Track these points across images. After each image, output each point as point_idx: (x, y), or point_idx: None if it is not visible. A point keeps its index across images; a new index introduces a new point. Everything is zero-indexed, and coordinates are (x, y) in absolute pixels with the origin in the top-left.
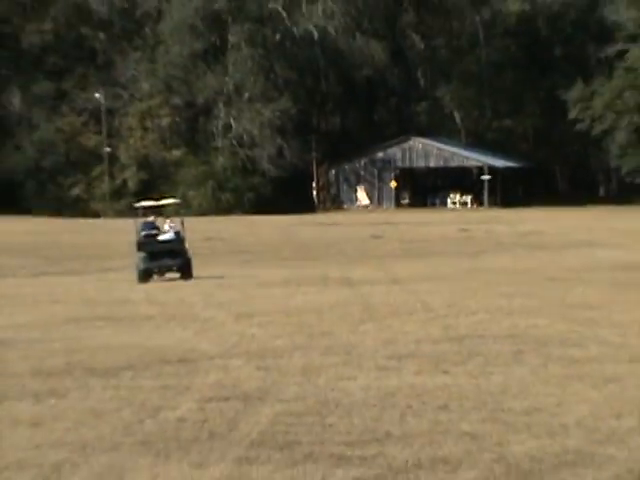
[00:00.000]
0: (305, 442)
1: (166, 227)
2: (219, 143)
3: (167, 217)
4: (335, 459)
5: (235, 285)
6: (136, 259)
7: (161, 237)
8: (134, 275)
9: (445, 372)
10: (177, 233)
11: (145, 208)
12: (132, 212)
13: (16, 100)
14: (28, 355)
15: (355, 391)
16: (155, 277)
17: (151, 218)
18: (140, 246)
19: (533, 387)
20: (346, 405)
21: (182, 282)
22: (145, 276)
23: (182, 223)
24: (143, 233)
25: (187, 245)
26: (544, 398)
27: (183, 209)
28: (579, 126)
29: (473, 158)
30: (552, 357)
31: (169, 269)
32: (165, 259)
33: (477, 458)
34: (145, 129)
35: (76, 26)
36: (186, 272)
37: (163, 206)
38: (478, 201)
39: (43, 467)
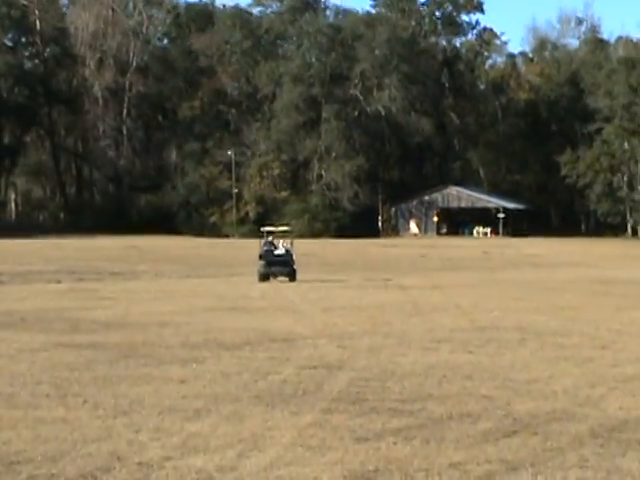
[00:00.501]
0: (370, 399)
1: (280, 245)
2: (313, 187)
3: (281, 239)
4: (391, 412)
5: (322, 287)
6: (258, 266)
7: (276, 252)
8: (255, 277)
9: (470, 352)
10: (287, 250)
11: (267, 232)
12: (257, 234)
13: (173, 155)
14: (178, 333)
15: (406, 364)
16: (270, 279)
17: (270, 238)
18: (262, 257)
19: (532, 364)
20: (399, 374)
21: (287, 284)
22: (263, 278)
23: (292, 243)
24: (264, 248)
25: (294, 259)
26: (540, 372)
27: (287, 233)
28: (568, 180)
29: (492, 201)
30: (547, 343)
31: (280, 274)
32: (278, 267)
33: (492, 413)
34: (262, 177)
35: (216, 104)
36: (292, 277)
37: (280, 231)
38: (495, 232)
39: (187, 411)
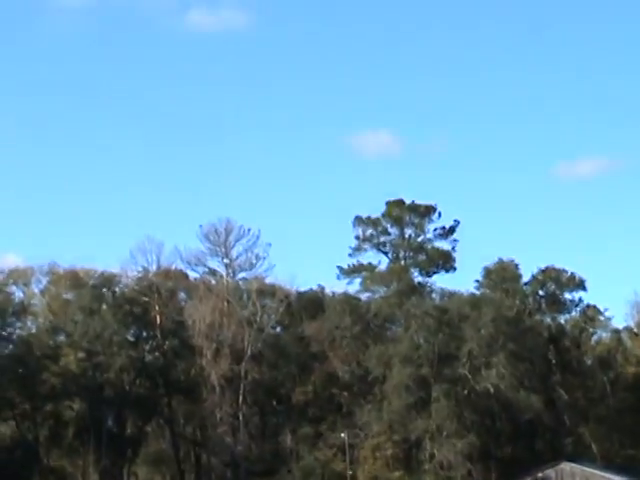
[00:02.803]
0: None
1: None
2: (426, 467)
3: None
4: None
5: None
6: None
7: None
8: None
9: None
10: None
11: None
12: None
13: (288, 439)
14: None
15: None
16: None
17: None
18: None
19: None
20: None
21: None
22: None
23: None
24: None
25: None
26: None
27: None
28: None
29: (607, 477)
30: None
31: None
32: None
33: None
34: (375, 457)
35: (328, 387)
36: None
37: None
38: None
39: None
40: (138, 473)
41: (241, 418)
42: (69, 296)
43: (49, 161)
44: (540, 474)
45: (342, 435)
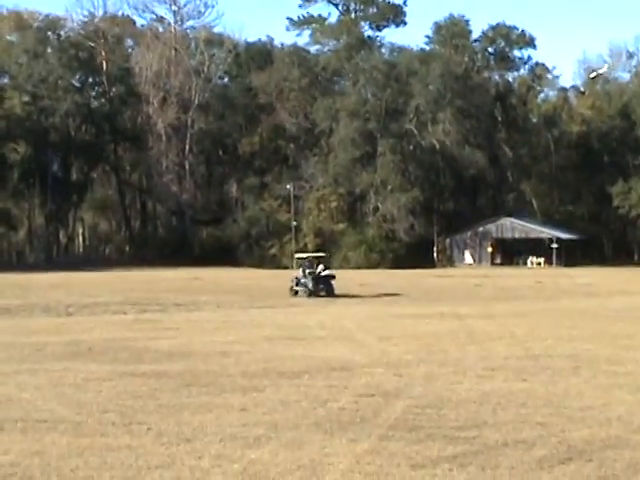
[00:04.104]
0: (427, 426)
1: (319, 268)
2: (370, 219)
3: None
4: (447, 439)
5: (379, 317)
6: (307, 284)
7: (323, 273)
8: (304, 294)
9: (524, 380)
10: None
11: (301, 258)
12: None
13: (233, 189)
14: (238, 362)
15: (462, 391)
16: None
17: (306, 263)
18: (307, 277)
19: (586, 392)
20: (455, 401)
21: (343, 314)
22: (311, 294)
23: (327, 267)
24: (308, 270)
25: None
26: (594, 400)
27: (345, 263)
28: (620, 210)
29: (545, 232)
30: (600, 371)
31: (325, 291)
32: (323, 285)
33: (546, 440)
34: (320, 210)
35: (275, 139)
36: (332, 294)
37: (315, 257)
38: (549, 262)
39: (248, 439)
40: (84, 218)
41: (187, 167)
42: (13, 38)
43: None
44: (481, 228)
45: (287, 187)
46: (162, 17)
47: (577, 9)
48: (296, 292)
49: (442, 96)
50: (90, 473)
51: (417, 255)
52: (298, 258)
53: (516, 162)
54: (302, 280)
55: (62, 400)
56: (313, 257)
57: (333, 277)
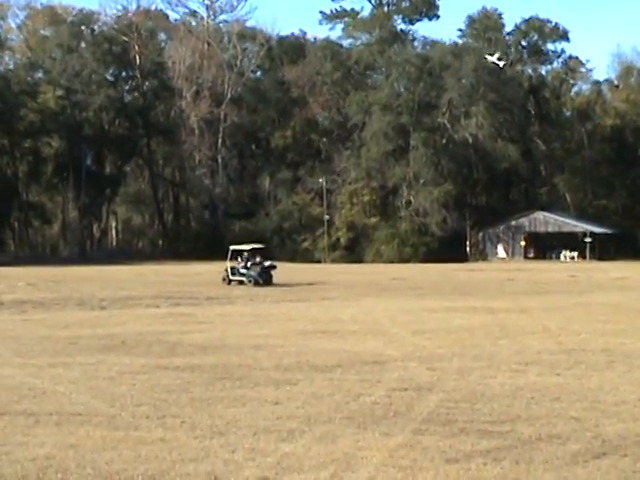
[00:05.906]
0: (460, 420)
1: (258, 259)
2: (402, 213)
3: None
4: (481, 433)
5: (412, 310)
6: (254, 273)
7: (266, 263)
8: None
9: (558, 374)
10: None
11: (236, 250)
12: (347, 259)
13: (266, 183)
14: (272, 355)
15: (495, 386)
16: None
17: (245, 255)
18: (251, 268)
19: (620, 386)
20: (488, 395)
21: (376, 307)
22: (257, 282)
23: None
24: (250, 262)
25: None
26: (628, 394)
27: (377, 257)
28: None
29: (579, 226)
30: (634, 366)
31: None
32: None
33: (580, 435)
34: (352, 203)
35: (307, 133)
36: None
37: (252, 249)
38: (582, 256)
39: (282, 432)
40: (118, 212)
41: (220, 161)
42: (47, 32)
43: None
44: (514, 222)
45: (320, 180)
46: (195, 11)
47: (611, 2)
48: (230, 281)
49: (475, 90)
50: (124, 466)
51: (450, 249)
52: (233, 250)
53: (549, 156)
54: (243, 271)
55: (96, 393)
56: (253, 249)
57: (274, 267)
